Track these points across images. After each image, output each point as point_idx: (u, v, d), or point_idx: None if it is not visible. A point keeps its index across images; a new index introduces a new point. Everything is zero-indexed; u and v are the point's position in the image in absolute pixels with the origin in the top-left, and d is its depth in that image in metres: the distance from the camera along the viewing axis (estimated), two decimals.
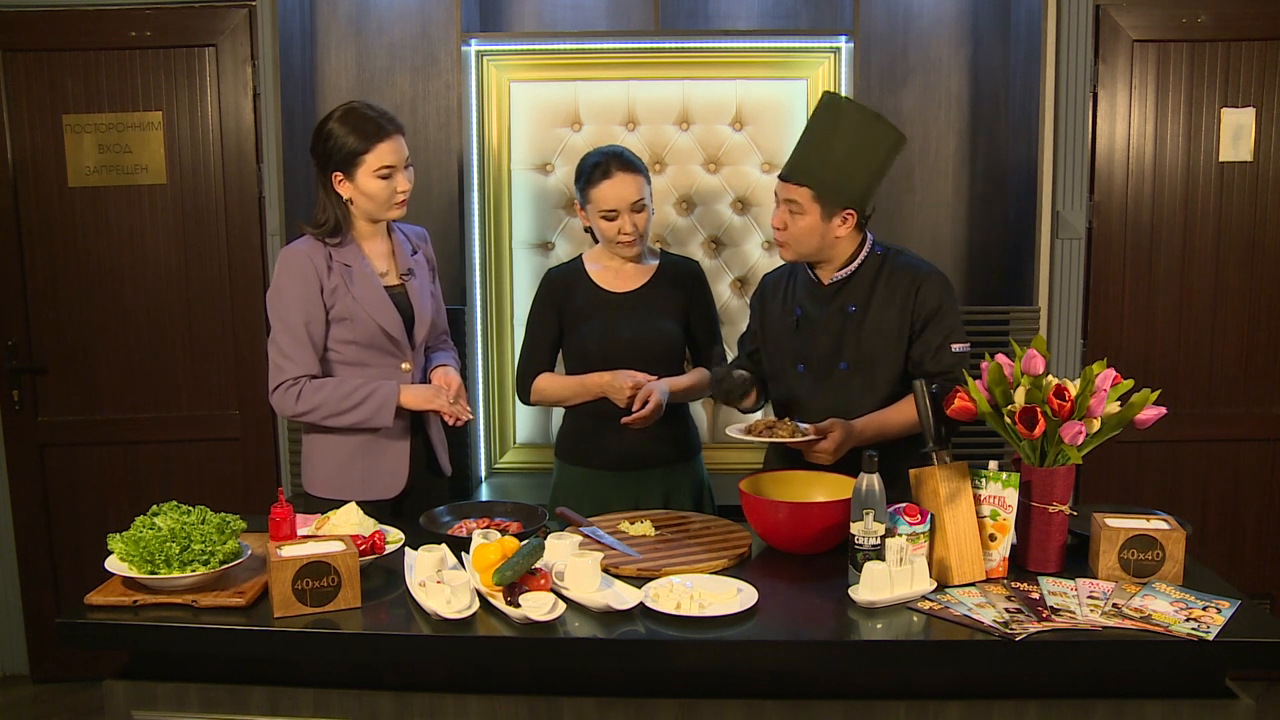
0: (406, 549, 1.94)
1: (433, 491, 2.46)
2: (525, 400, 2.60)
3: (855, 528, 1.83)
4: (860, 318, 2.29)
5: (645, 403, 2.38)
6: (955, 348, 2.26)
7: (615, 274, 2.55)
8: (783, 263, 2.44)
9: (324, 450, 2.35)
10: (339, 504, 2.08)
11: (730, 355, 2.72)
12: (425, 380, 2.45)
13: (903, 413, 2.25)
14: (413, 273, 2.41)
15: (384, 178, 2.27)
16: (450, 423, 2.32)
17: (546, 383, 2.56)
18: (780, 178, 2.28)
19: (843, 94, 2.74)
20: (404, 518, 2.30)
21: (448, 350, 2.56)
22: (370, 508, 2.16)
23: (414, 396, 2.30)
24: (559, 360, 2.65)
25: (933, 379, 2.16)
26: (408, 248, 2.45)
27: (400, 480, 2.36)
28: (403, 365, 2.36)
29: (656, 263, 2.58)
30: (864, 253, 2.31)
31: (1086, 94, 3.29)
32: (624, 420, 2.39)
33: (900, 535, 1.82)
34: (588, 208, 2.50)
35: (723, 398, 2.35)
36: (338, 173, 2.29)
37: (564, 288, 2.56)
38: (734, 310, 3.29)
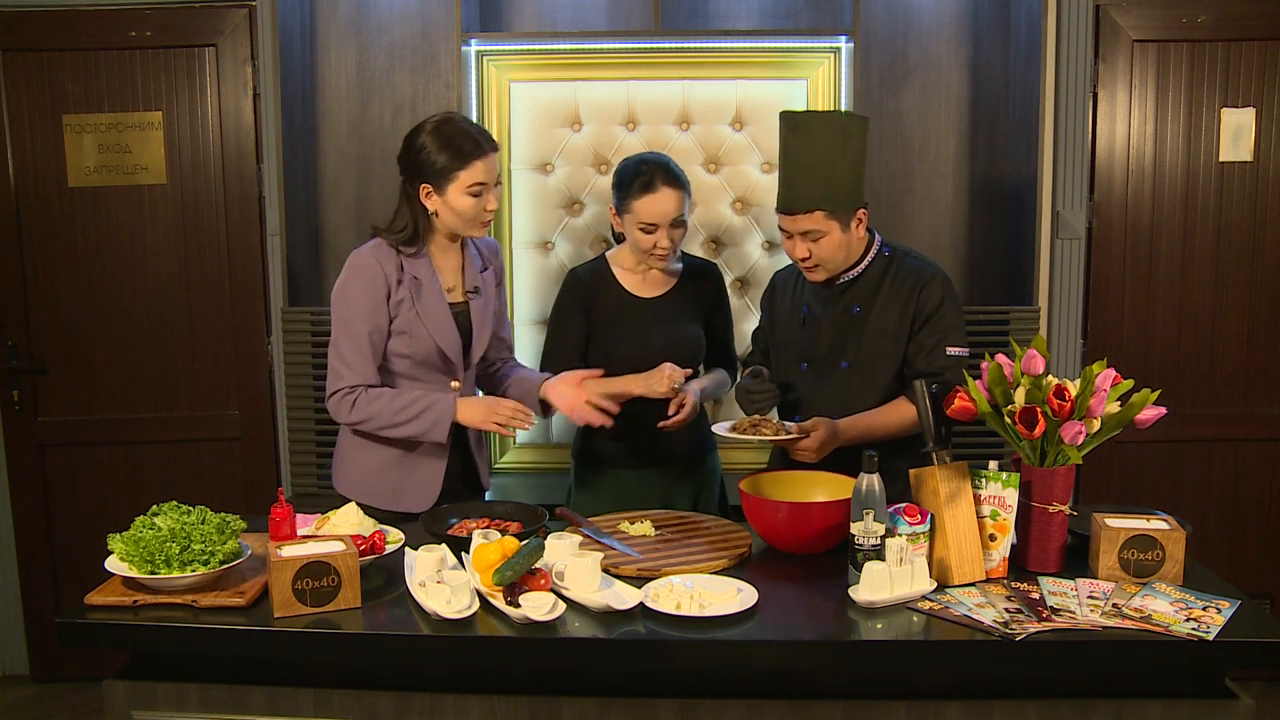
0: (406, 549, 1.94)
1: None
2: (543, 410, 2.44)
3: (855, 528, 1.83)
4: (864, 318, 2.29)
5: (681, 406, 2.37)
6: (951, 351, 2.24)
7: (642, 279, 2.51)
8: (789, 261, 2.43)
9: (359, 454, 2.32)
10: (366, 510, 2.07)
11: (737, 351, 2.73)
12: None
13: (890, 414, 2.24)
14: (478, 291, 2.37)
15: (475, 195, 2.22)
16: (504, 434, 2.33)
17: None
18: (781, 213, 2.23)
19: (798, 108, 2.58)
20: None
21: (518, 366, 2.52)
22: (399, 519, 2.16)
23: (471, 414, 2.25)
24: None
25: (922, 379, 2.14)
26: (478, 263, 2.40)
27: (432, 495, 2.31)
28: (452, 383, 2.33)
29: (680, 267, 2.55)
30: (871, 253, 2.31)
31: (1086, 94, 3.29)
32: (661, 424, 2.37)
33: (900, 535, 1.82)
34: (624, 216, 2.42)
35: (751, 409, 2.32)
36: (426, 185, 2.24)
37: (591, 289, 2.49)
38: (734, 310, 3.27)
